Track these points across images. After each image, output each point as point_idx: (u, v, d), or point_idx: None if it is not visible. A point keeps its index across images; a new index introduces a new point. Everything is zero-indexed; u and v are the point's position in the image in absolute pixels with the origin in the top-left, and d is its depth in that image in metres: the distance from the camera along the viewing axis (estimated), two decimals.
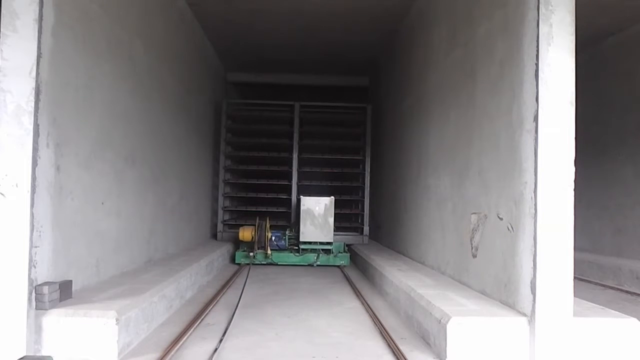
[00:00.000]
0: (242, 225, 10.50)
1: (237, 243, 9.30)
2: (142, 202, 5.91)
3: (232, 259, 8.86)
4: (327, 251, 8.74)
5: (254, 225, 8.56)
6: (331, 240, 8.63)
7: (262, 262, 8.60)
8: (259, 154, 10.76)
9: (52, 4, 3.60)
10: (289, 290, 6.42)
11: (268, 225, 8.60)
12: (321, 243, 8.64)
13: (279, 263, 8.65)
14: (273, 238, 8.66)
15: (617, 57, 7.98)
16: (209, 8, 7.94)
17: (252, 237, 8.46)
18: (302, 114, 10.64)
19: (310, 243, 8.68)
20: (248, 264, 8.46)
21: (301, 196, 8.52)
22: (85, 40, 4.28)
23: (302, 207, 8.58)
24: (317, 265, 8.62)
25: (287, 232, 8.95)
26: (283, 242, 8.77)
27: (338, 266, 8.65)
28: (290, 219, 10.62)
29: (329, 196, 8.91)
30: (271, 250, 8.60)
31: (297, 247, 8.78)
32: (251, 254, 8.48)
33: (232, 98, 11.70)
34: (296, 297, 5.95)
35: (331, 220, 8.59)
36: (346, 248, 9.14)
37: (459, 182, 5.25)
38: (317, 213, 8.56)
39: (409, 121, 7.64)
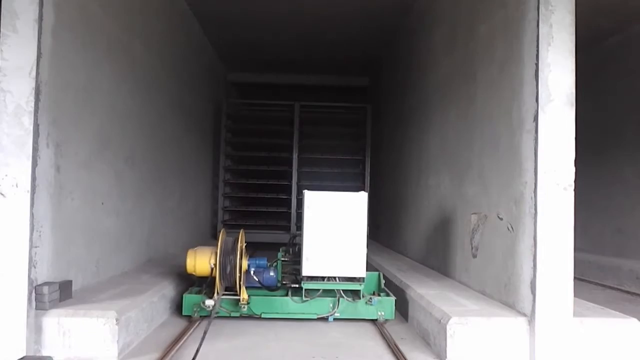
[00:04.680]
0: (241, 225, 10.35)
1: (189, 278, 5.02)
2: (142, 202, 5.91)
3: (179, 307, 4.75)
4: (355, 293, 4.69)
5: (217, 245, 4.48)
6: (362, 275, 4.51)
7: (233, 315, 4.61)
8: (259, 154, 10.76)
9: (52, 4, 3.60)
10: None
11: (242, 245, 4.60)
12: (343, 280, 4.55)
13: (263, 316, 4.61)
14: (252, 270, 4.68)
15: (617, 57, 7.98)
16: (209, 8, 7.94)
17: (212, 269, 4.49)
18: (302, 114, 10.65)
19: (321, 280, 4.55)
20: (206, 316, 4.41)
21: (305, 191, 4.57)
22: (85, 40, 4.28)
23: (306, 212, 4.52)
24: (335, 319, 4.66)
25: (279, 255, 5.01)
26: (271, 275, 4.80)
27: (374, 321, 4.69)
28: (290, 219, 10.58)
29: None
30: (249, 290, 4.64)
31: (296, 284, 4.71)
32: (208, 302, 4.34)
33: (232, 98, 11.70)
34: None
35: (361, 234, 4.53)
36: (383, 282, 5.03)
37: (459, 182, 5.25)
38: (333, 222, 4.51)
39: (409, 121, 7.64)
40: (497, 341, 3.55)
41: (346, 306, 4.64)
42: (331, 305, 4.64)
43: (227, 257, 4.47)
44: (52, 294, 3.52)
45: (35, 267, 3.44)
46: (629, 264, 7.24)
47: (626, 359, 3.56)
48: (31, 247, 3.38)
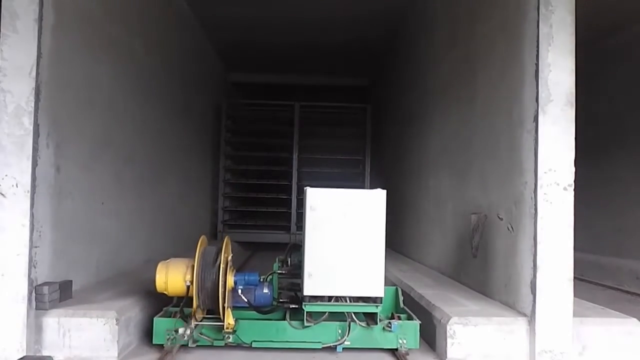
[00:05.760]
0: (242, 225, 10.27)
1: (161, 297, 3.91)
2: (142, 202, 5.91)
3: (149, 333, 3.76)
4: (370, 317, 3.75)
5: (194, 256, 3.60)
6: (379, 294, 3.59)
7: (217, 344, 3.65)
8: (259, 153, 10.77)
9: (52, 4, 3.60)
10: None
11: (228, 256, 3.69)
12: (355, 300, 3.60)
13: (255, 345, 3.68)
14: (240, 289, 3.70)
15: (617, 57, 7.98)
16: (209, 8, 7.93)
17: (190, 287, 3.58)
18: (302, 114, 10.65)
19: (327, 300, 3.59)
20: (185, 345, 3.63)
21: (307, 188, 3.61)
22: (85, 40, 4.28)
23: (308, 215, 3.56)
24: (345, 349, 3.72)
25: (275, 267, 3.98)
26: (265, 292, 3.82)
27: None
28: (290, 219, 10.57)
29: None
30: (237, 311, 3.76)
31: (295, 305, 3.76)
32: (182, 331, 3.53)
33: (233, 98, 11.70)
34: None
35: (378, 242, 3.56)
36: (402, 299, 4.13)
37: (459, 182, 5.24)
38: (343, 227, 3.56)
39: (409, 121, 7.64)
40: (497, 341, 3.55)
41: (359, 332, 3.67)
42: (340, 331, 3.68)
43: (207, 272, 3.52)
44: (52, 294, 3.51)
45: (35, 267, 3.44)
46: (629, 264, 7.24)
47: (626, 359, 3.56)
48: (31, 247, 3.38)
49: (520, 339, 3.54)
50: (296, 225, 10.37)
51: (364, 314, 3.73)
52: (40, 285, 3.47)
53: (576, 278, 3.59)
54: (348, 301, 3.59)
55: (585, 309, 3.88)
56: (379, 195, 3.60)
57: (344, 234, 3.54)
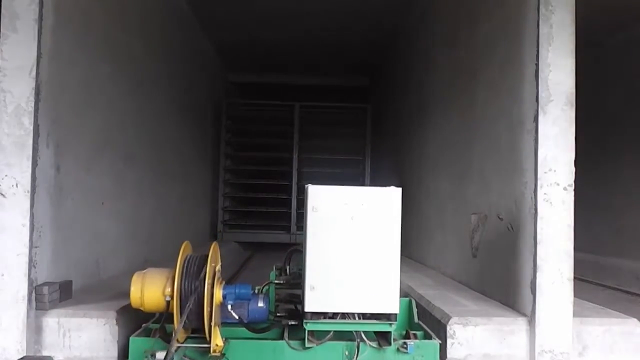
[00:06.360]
0: (242, 225, 10.24)
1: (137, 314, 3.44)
2: (142, 202, 5.91)
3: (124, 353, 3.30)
4: (382, 336, 3.19)
5: (175, 266, 3.05)
6: (394, 310, 3.02)
7: None
8: (259, 154, 10.78)
9: (52, 4, 3.59)
10: None
11: (217, 265, 3.18)
12: (365, 317, 3.04)
13: None
14: (229, 304, 3.11)
15: (617, 57, 7.98)
16: (209, 8, 7.93)
17: (170, 302, 3.01)
18: (302, 114, 10.65)
19: (332, 317, 3.02)
20: None
21: (309, 185, 3.00)
22: (85, 41, 4.28)
23: (309, 217, 2.98)
24: None
25: (272, 276, 3.44)
26: (260, 306, 3.27)
27: None
28: (290, 219, 10.58)
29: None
30: (227, 328, 3.18)
31: (295, 321, 3.20)
32: (159, 355, 2.96)
33: (233, 98, 11.71)
34: None
35: (393, 249, 3.09)
36: (416, 313, 3.65)
37: (459, 183, 5.25)
38: (351, 231, 2.99)
39: (409, 121, 7.64)
40: (497, 341, 3.54)
41: (369, 355, 3.14)
42: (347, 353, 3.15)
43: (190, 285, 2.97)
44: (52, 294, 3.51)
45: (35, 267, 3.44)
46: (629, 264, 7.24)
47: (626, 359, 3.56)
48: (31, 247, 3.38)
49: (521, 339, 3.53)
50: (296, 226, 10.38)
51: (375, 332, 3.18)
52: (40, 285, 3.47)
53: (576, 278, 3.59)
54: (357, 318, 3.02)
55: (585, 309, 3.87)
56: (394, 194, 3.02)
57: (352, 239, 2.97)
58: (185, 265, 3.06)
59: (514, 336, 3.54)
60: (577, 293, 3.59)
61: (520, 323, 3.56)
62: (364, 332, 3.11)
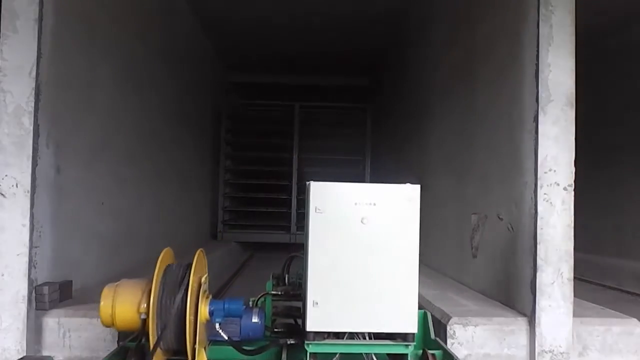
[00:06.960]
0: (242, 225, 10.19)
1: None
2: (142, 202, 5.91)
3: None
4: (395, 357, 2.56)
5: (152, 277, 2.44)
6: (412, 330, 2.45)
7: None
8: (259, 154, 10.78)
9: (52, 4, 3.59)
10: None
11: (203, 276, 2.59)
12: (378, 337, 2.50)
13: None
14: (217, 322, 2.50)
15: (617, 57, 7.98)
16: (209, 8, 7.94)
17: (146, 320, 2.40)
18: (302, 114, 10.66)
19: (339, 337, 2.47)
20: None
21: (311, 182, 2.47)
22: (85, 41, 4.28)
23: (312, 219, 2.44)
24: None
25: (268, 287, 2.97)
26: (254, 322, 2.70)
27: None
28: (291, 220, 10.58)
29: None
30: (215, 348, 2.66)
31: (295, 339, 2.70)
32: None
33: (233, 98, 11.71)
34: None
35: (410, 258, 2.46)
36: (432, 328, 3.14)
37: (459, 183, 5.25)
38: (360, 237, 2.43)
39: (409, 121, 7.64)
40: (497, 341, 3.54)
41: None
42: None
43: (169, 299, 2.46)
44: (52, 294, 3.51)
45: (35, 267, 3.44)
46: (629, 264, 7.23)
47: (626, 359, 3.56)
48: (31, 247, 3.38)
49: (521, 339, 3.53)
50: (296, 226, 10.39)
51: (388, 354, 2.65)
52: (40, 285, 3.47)
53: (576, 278, 3.59)
54: (367, 338, 2.54)
55: (585, 309, 3.87)
56: (412, 192, 2.51)
57: (362, 245, 2.46)
58: (165, 276, 2.55)
59: (514, 336, 3.54)
60: (577, 293, 3.59)
61: (520, 323, 3.56)
62: (375, 354, 2.59)
